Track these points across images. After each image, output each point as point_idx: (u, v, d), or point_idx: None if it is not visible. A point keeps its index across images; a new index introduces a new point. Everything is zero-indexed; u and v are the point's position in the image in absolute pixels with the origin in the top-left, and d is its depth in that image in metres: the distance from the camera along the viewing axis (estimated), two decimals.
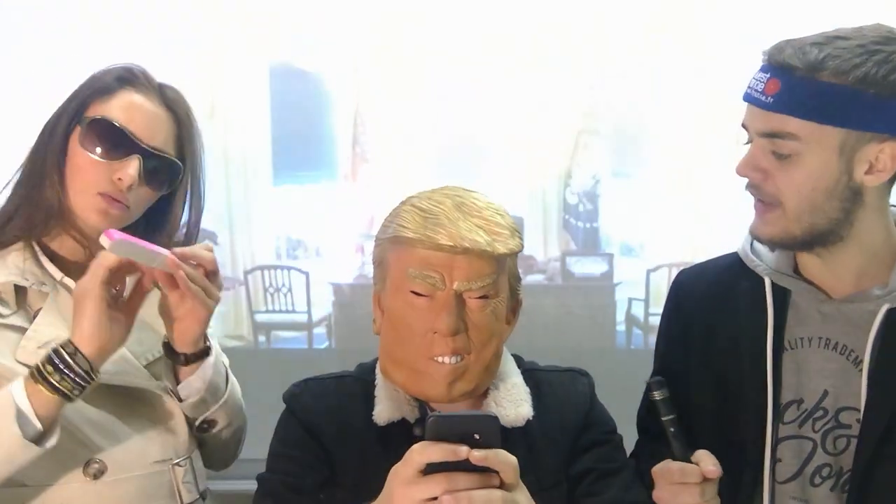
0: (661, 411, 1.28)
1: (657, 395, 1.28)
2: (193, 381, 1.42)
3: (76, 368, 1.25)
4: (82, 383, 1.26)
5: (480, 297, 1.30)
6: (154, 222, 1.51)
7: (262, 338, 3.10)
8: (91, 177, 1.37)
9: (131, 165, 1.36)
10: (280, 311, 3.17)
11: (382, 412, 1.35)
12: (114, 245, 1.23)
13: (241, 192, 2.94)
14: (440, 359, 1.30)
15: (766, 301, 1.39)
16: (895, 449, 1.30)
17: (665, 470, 1.25)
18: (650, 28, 2.55)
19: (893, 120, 1.25)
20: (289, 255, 3.17)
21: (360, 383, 1.42)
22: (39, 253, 1.42)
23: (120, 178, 1.36)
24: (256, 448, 1.55)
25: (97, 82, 1.42)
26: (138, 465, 1.41)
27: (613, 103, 2.64)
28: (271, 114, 2.75)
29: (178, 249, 1.33)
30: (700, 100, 2.53)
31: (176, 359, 1.41)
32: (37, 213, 1.40)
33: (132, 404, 1.43)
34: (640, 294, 2.83)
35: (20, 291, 1.39)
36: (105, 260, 1.26)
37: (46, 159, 1.39)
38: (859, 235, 1.33)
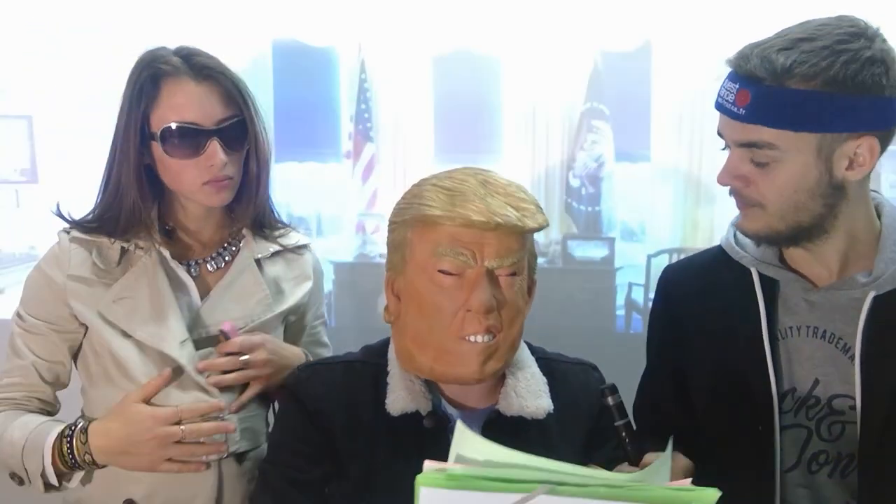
0: (615, 416, 1.27)
1: (610, 401, 1.27)
2: None
3: (76, 454, 1.48)
4: (81, 466, 1.51)
5: (510, 275, 1.29)
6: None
7: None
8: (192, 174, 1.54)
9: (215, 151, 1.51)
10: None
11: (396, 402, 1.32)
12: None
13: None
14: (472, 338, 1.28)
15: (755, 292, 1.39)
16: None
17: None
18: (655, 10, 2.53)
19: (866, 116, 1.25)
20: None
21: (371, 369, 1.38)
22: (155, 220, 1.59)
23: (212, 165, 1.52)
24: None
25: (141, 93, 1.53)
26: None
27: (618, 86, 2.63)
28: (274, 90, 2.73)
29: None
30: (704, 84, 2.51)
31: None
32: (119, 218, 1.57)
33: None
34: (641, 279, 2.82)
35: (124, 251, 1.60)
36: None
37: (122, 174, 1.55)
38: (843, 226, 1.33)
